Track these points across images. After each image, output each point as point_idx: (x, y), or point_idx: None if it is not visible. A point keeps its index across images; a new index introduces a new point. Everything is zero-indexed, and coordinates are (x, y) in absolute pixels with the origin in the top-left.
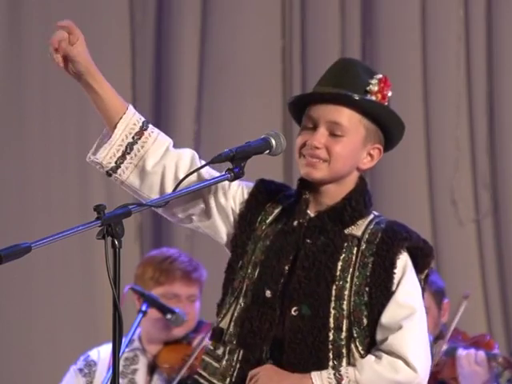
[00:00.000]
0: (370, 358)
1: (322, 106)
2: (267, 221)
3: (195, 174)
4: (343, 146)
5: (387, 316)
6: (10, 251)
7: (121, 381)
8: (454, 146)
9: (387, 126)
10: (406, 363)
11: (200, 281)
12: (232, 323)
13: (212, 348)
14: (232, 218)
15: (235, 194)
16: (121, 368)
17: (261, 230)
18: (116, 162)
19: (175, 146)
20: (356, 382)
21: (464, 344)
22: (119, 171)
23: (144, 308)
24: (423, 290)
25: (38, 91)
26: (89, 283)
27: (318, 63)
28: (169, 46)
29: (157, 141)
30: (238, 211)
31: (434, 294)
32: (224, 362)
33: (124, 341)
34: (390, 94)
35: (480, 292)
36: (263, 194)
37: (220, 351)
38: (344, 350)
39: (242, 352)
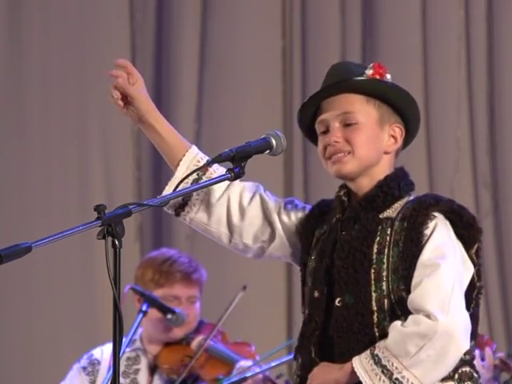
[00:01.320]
0: (396, 322)
1: (327, 106)
2: (322, 230)
3: (259, 200)
4: (361, 132)
5: (414, 279)
6: (10, 251)
7: (123, 380)
8: (455, 146)
9: (396, 103)
10: (426, 315)
11: (200, 282)
12: (299, 337)
13: (295, 367)
14: (298, 236)
15: (298, 213)
16: (123, 368)
17: (315, 241)
18: (183, 199)
19: None
20: (385, 347)
21: None
22: (187, 208)
23: (144, 308)
24: (477, 265)
25: (38, 91)
26: (89, 283)
27: (318, 63)
28: (169, 46)
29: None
30: (301, 229)
31: None
32: (294, 375)
33: (124, 341)
34: (388, 76)
35: None
36: (320, 208)
37: (296, 367)
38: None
39: (299, 359)
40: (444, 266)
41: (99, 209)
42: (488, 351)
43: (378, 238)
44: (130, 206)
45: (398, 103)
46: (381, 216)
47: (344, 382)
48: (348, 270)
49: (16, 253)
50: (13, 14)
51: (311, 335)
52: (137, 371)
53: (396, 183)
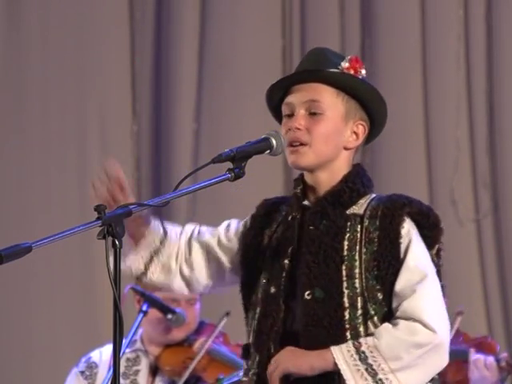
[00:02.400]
0: (387, 325)
1: (296, 90)
2: (272, 229)
3: (197, 245)
4: (324, 125)
5: (401, 283)
6: (10, 251)
7: (123, 382)
8: (454, 146)
9: (366, 100)
10: (424, 325)
11: None
12: (253, 334)
13: (245, 367)
14: (240, 249)
15: (238, 230)
16: (123, 369)
17: (267, 239)
18: (144, 267)
19: (174, 145)
20: (375, 347)
21: (466, 346)
22: (148, 273)
23: (144, 308)
24: (437, 266)
25: (37, 91)
26: (89, 283)
27: None
28: (168, 46)
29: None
30: (242, 238)
31: None
32: (250, 374)
33: (124, 342)
34: (363, 71)
35: (480, 292)
36: (265, 207)
37: (248, 365)
38: (361, 329)
39: (257, 356)
40: (431, 275)
41: (99, 209)
42: (491, 360)
43: (348, 235)
44: (131, 206)
45: (366, 100)
46: (348, 212)
47: (319, 368)
48: (319, 265)
49: (16, 253)
50: (12, 12)
51: (270, 331)
52: (137, 372)
53: (359, 179)
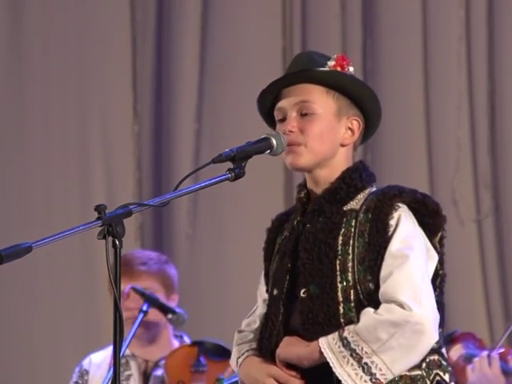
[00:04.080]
0: (368, 309)
1: (286, 95)
2: (282, 236)
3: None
4: (316, 124)
5: (384, 269)
6: (10, 251)
7: None
8: (455, 146)
9: (356, 96)
10: (399, 305)
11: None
12: (257, 339)
13: None
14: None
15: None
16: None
17: (278, 247)
18: None
19: (175, 145)
20: (355, 332)
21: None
22: None
23: (145, 308)
24: (440, 254)
25: (38, 92)
26: (90, 283)
27: None
28: (169, 46)
29: None
30: (264, 254)
31: None
32: None
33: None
34: (351, 68)
35: (481, 292)
36: (278, 219)
37: None
38: (356, 321)
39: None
40: (413, 257)
41: (99, 209)
42: (495, 357)
43: (343, 230)
44: (131, 206)
45: (357, 96)
46: (345, 208)
47: (307, 359)
48: (313, 262)
49: (16, 253)
50: (14, 15)
51: (270, 335)
52: (128, 377)
53: (358, 174)
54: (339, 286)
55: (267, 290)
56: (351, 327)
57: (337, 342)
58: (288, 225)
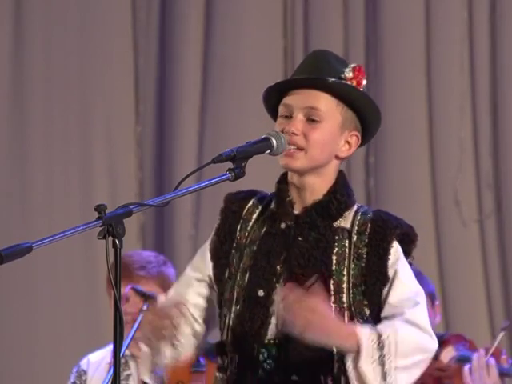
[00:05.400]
0: (404, 322)
1: (297, 94)
2: (248, 227)
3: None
4: (320, 133)
5: (396, 295)
6: (10, 251)
7: None
8: (458, 147)
9: (364, 112)
10: (430, 336)
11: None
12: (229, 332)
13: (220, 362)
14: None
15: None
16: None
17: (244, 237)
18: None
19: (178, 146)
20: (395, 341)
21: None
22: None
23: (145, 308)
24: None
25: (40, 92)
26: (90, 283)
27: None
28: (171, 47)
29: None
30: (214, 233)
31: (427, 297)
32: (228, 372)
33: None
34: (364, 82)
35: (483, 292)
36: (235, 203)
37: (225, 363)
38: None
39: (237, 357)
40: (422, 296)
41: (100, 209)
42: (491, 362)
43: (337, 249)
44: (131, 206)
45: (365, 112)
46: (335, 225)
47: (336, 337)
48: (307, 279)
49: (16, 253)
50: (15, 15)
51: (257, 335)
52: (128, 377)
53: (345, 191)
54: (333, 305)
55: (221, 279)
56: (392, 334)
57: (374, 339)
58: (252, 213)
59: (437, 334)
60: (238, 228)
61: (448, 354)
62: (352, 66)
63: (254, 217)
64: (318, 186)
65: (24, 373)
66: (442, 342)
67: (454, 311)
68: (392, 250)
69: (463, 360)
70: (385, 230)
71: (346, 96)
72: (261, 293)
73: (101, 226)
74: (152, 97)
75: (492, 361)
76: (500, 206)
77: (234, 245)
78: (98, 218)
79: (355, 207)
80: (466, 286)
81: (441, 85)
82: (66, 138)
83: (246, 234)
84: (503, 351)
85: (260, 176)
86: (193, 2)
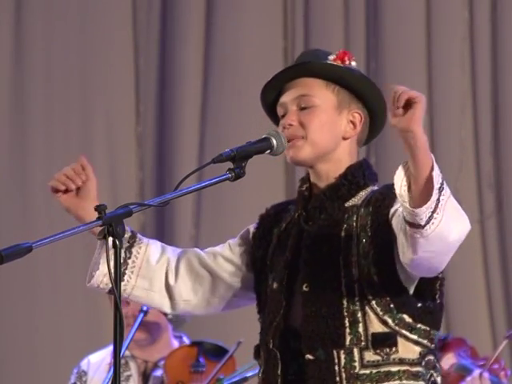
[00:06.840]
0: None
1: (287, 89)
2: (281, 228)
3: (189, 256)
4: (315, 116)
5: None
6: (10, 251)
7: None
8: (459, 147)
9: (356, 89)
10: None
11: None
12: (260, 333)
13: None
14: (248, 254)
15: (242, 237)
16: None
17: (276, 238)
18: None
19: (178, 146)
20: (450, 196)
21: (472, 361)
22: (126, 277)
23: (145, 308)
24: None
25: (41, 92)
26: None
27: None
28: (172, 47)
29: (151, 242)
30: (252, 240)
31: None
32: (260, 373)
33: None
34: (353, 63)
35: (483, 292)
36: (274, 208)
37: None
38: (359, 315)
39: (262, 355)
40: None
41: (100, 209)
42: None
43: (345, 226)
44: (131, 206)
45: (357, 88)
46: (346, 205)
47: (422, 148)
48: (316, 260)
49: (16, 253)
50: (16, 15)
51: (269, 328)
52: (128, 377)
53: (361, 172)
54: (343, 280)
55: (261, 283)
56: (448, 189)
57: (440, 180)
58: (286, 216)
59: (439, 336)
60: (275, 231)
61: (449, 361)
62: (337, 52)
63: (288, 219)
64: (332, 173)
65: (24, 373)
66: (444, 346)
67: (455, 311)
68: (392, 210)
69: (463, 370)
70: (385, 196)
71: (331, 74)
72: (275, 285)
73: (101, 226)
74: (152, 97)
75: (486, 374)
76: (501, 206)
77: (270, 247)
78: (98, 218)
79: (374, 188)
80: (466, 286)
81: (441, 84)
82: (67, 137)
83: (278, 234)
84: (502, 363)
85: (260, 176)
86: (193, 2)
